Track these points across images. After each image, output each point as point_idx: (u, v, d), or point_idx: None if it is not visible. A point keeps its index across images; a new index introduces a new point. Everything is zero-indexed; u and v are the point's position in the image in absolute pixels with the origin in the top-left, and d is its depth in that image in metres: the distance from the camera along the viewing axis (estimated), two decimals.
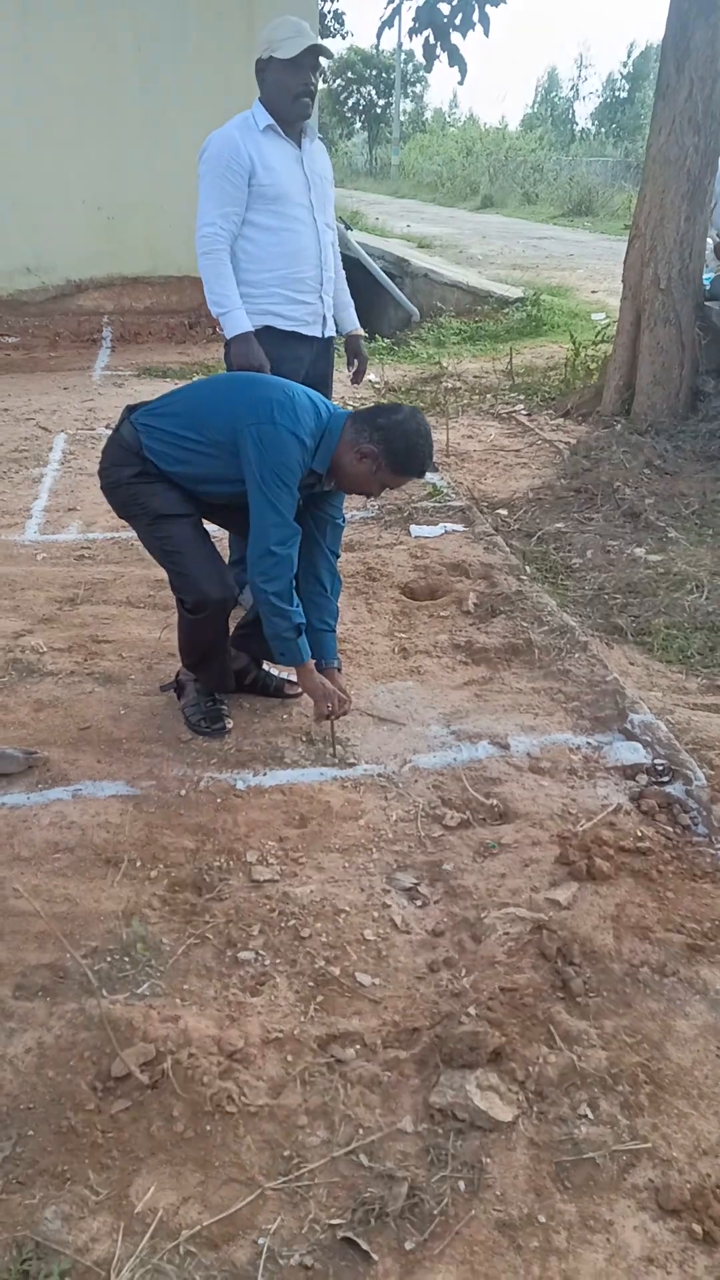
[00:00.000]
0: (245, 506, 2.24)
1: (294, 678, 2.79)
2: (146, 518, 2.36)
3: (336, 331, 3.15)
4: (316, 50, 2.72)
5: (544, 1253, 1.37)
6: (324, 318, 3.04)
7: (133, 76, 7.34)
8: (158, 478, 2.31)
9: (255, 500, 2.20)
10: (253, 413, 2.17)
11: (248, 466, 2.19)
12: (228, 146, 2.74)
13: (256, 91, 2.82)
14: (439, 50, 6.55)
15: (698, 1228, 1.39)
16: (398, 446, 2.18)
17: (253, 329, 2.84)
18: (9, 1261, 1.34)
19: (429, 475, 4.63)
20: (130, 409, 2.39)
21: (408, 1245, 1.37)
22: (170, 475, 2.31)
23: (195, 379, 2.56)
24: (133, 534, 3.88)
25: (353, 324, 3.25)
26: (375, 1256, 1.35)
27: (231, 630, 2.60)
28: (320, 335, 3.04)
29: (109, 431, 2.52)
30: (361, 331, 3.30)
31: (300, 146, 2.86)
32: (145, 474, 2.31)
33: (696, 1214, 1.41)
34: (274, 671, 2.76)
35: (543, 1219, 1.41)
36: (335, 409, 2.28)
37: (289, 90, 2.74)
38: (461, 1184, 1.44)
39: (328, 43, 3.88)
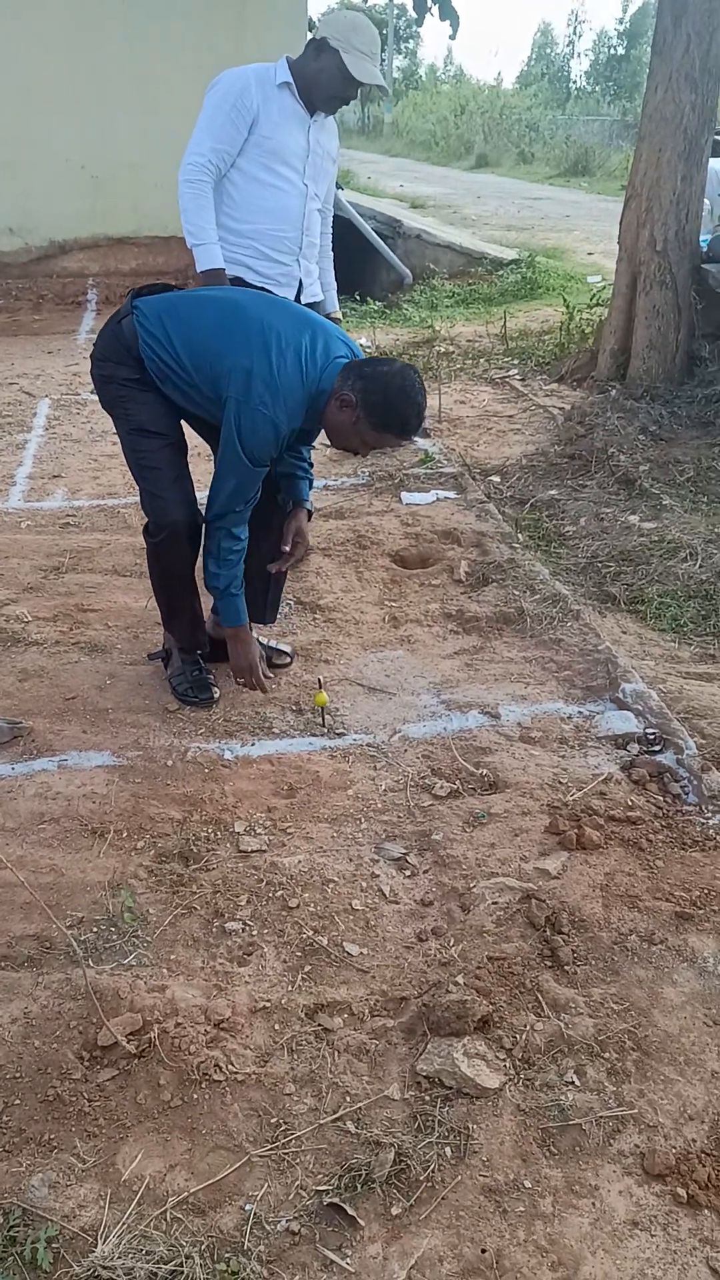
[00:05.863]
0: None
1: (285, 648, 2.77)
2: (128, 424, 2.33)
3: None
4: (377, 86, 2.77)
5: (530, 1217, 1.38)
6: (299, 281, 2.98)
7: (118, 34, 7.09)
8: (152, 388, 2.27)
9: (222, 463, 2.18)
10: (233, 384, 2.11)
11: (225, 429, 2.16)
12: (239, 86, 2.69)
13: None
14: (430, 2, 6.37)
15: (682, 1192, 1.40)
16: (375, 399, 2.09)
17: (224, 267, 2.79)
18: None
19: (420, 441, 4.57)
20: (135, 294, 2.31)
21: (394, 1211, 1.38)
22: (164, 392, 2.29)
23: (195, 290, 2.44)
24: (119, 502, 3.89)
25: (332, 306, 3.21)
26: (362, 1222, 1.36)
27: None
28: (290, 298, 2.99)
29: (95, 397, 2.45)
30: (339, 315, 3.27)
31: (311, 115, 2.81)
32: (141, 381, 2.27)
33: (681, 1178, 1.42)
34: (263, 640, 2.73)
35: (529, 1184, 1.41)
36: (334, 356, 2.18)
37: (331, 90, 2.73)
38: (448, 1150, 1.45)
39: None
